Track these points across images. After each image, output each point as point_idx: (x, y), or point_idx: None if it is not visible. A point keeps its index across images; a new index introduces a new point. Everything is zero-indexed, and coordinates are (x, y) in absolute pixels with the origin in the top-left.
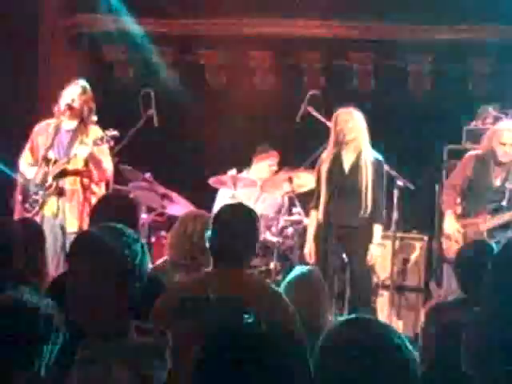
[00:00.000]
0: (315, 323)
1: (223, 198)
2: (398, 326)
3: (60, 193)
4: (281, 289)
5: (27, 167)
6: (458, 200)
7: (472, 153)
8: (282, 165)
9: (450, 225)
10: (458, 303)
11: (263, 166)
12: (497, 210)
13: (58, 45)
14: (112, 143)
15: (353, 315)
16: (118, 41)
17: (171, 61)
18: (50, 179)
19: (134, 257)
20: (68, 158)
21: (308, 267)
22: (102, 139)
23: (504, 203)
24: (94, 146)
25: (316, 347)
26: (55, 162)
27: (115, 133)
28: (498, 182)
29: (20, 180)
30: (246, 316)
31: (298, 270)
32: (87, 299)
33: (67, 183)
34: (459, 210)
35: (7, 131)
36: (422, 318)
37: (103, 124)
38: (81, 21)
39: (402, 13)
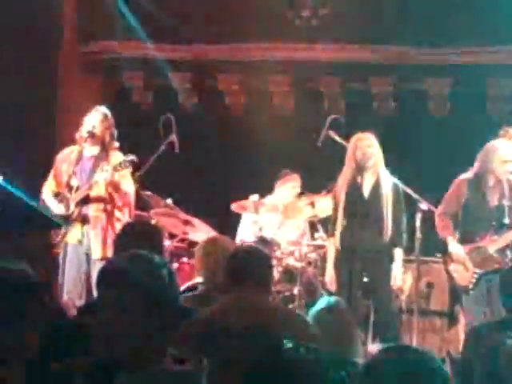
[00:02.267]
0: (345, 354)
1: (246, 223)
2: None
3: (84, 220)
4: (310, 317)
5: (50, 197)
6: (453, 225)
7: (463, 177)
8: (304, 190)
9: (458, 248)
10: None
11: (286, 189)
12: (500, 229)
13: (76, 70)
14: (131, 168)
15: (391, 344)
16: (136, 67)
17: (190, 86)
18: (72, 206)
19: (162, 283)
20: (90, 185)
21: (334, 298)
22: (120, 165)
23: (506, 221)
24: (114, 171)
25: (356, 377)
26: (77, 188)
27: (133, 158)
28: (495, 201)
29: (43, 208)
30: (285, 341)
31: (325, 300)
32: (119, 330)
33: (90, 210)
34: (456, 236)
35: (27, 156)
36: (460, 341)
37: (124, 150)
38: (100, 47)
39: (421, 36)
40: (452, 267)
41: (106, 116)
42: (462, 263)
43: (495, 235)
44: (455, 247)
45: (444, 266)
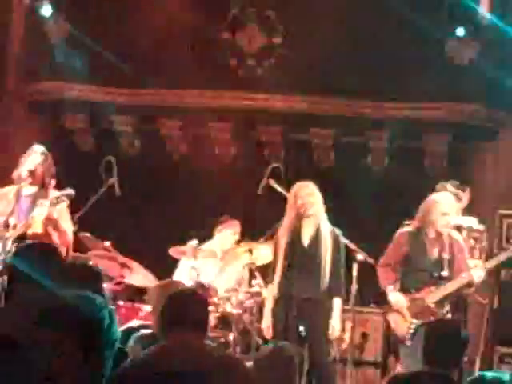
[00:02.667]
0: None
1: (184, 268)
2: None
3: None
4: (250, 365)
5: None
6: (395, 277)
7: (403, 230)
8: (242, 237)
9: (398, 298)
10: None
11: (226, 235)
12: (439, 281)
13: (19, 109)
14: (68, 202)
15: None
16: (79, 109)
17: (132, 130)
18: (9, 244)
19: (102, 324)
20: (27, 222)
21: (279, 343)
22: (57, 199)
23: (445, 273)
24: (52, 206)
25: None
26: (15, 226)
27: (71, 191)
28: (435, 254)
29: None
30: None
31: (268, 346)
32: (56, 370)
33: None
34: (397, 286)
35: None
36: None
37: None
38: (43, 87)
39: (361, 89)
40: (391, 317)
41: (46, 156)
42: (400, 313)
43: (433, 287)
44: (395, 296)
45: (383, 315)
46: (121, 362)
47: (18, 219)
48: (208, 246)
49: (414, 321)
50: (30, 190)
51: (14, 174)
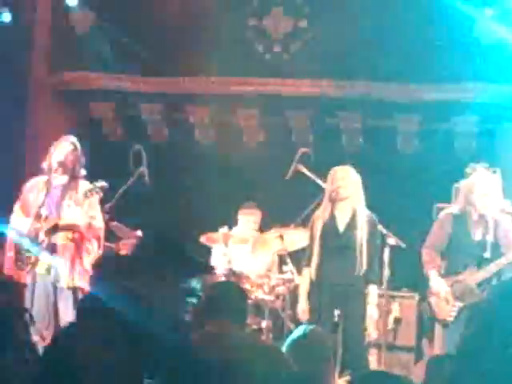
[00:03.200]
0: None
1: (216, 255)
2: None
3: (52, 249)
4: (284, 347)
5: (19, 222)
6: (439, 259)
7: (448, 211)
8: (272, 223)
9: (438, 283)
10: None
11: (246, 223)
12: (481, 264)
13: (46, 100)
14: (101, 194)
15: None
16: (107, 98)
17: (160, 118)
18: (41, 235)
19: (142, 316)
20: (59, 214)
21: (311, 326)
22: (91, 191)
23: (487, 255)
24: (85, 198)
25: None
26: (46, 218)
27: (104, 184)
28: (478, 236)
29: (12, 237)
30: None
31: (301, 328)
32: (98, 360)
33: (59, 239)
34: (442, 268)
35: None
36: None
37: (92, 180)
38: (69, 77)
39: (389, 73)
40: (432, 300)
41: (75, 146)
42: (442, 297)
43: (476, 269)
44: (437, 282)
45: (416, 299)
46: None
47: (49, 210)
48: (234, 232)
49: (457, 303)
50: (60, 180)
51: (44, 165)
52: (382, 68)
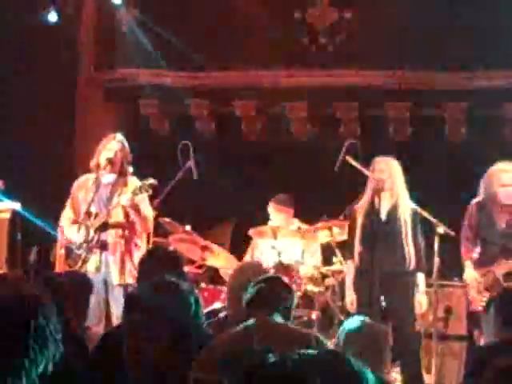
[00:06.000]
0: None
1: (264, 248)
2: (443, 375)
3: (102, 246)
4: (340, 338)
5: (68, 225)
6: (474, 250)
7: (473, 201)
8: (320, 214)
9: (469, 275)
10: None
11: (282, 218)
12: (507, 254)
13: (94, 98)
14: (151, 192)
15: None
16: (153, 94)
17: (207, 113)
18: (91, 233)
19: (189, 310)
20: (108, 211)
21: (364, 318)
22: (140, 189)
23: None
24: (134, 195)
25: None
26: (96, 215)
27: (153, 181)
28: (503, 226)
29: (63, 235)
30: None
31: (354, 320)
32: (146, 356)
33: (109, 236)
34: (476, 260)
35: (46, 182)
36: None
37: (140, 176)
38: (117, 75)
39: (436, 61)
40: (468, 291)
41: (123, 143)
42: (475, 287)
43: (504, 260)
44: (468, 272)
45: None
46: (205, 344)
47: (99, 207)
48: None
49: (486, 294)
50: (108, 178)
51: (92, 163)
52: (428, 56)
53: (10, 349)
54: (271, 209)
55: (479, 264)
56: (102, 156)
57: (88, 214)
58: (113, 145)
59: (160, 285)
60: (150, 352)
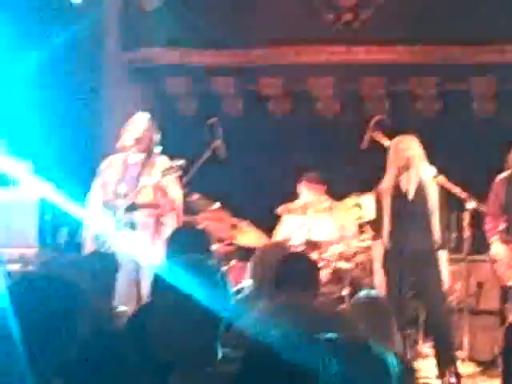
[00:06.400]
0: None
1: (293, 225)
2: (475, 350)
3: (131, 226)
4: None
5: (96, 205)
6: (498, 226)
7: (501, 176)
8: (350, 190)
9: (498, 250)
10: None
11: (314, 195)
12: None
13: (120, 78)
14: (179, 173)
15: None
16: (179, 73)
17: (233, 91)
18: (120, 213)
19: (216, 288)
20: (137, 191)
21: (373, 291)
22: (169, 170)
23: None
24: (163, 177)
25: None
26: (125, 195)
27: (182, 162)
28: None
29: (92, 216)
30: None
31: (365, 292)
32: (175, 332)
33: (138, 216)
34: (503, 235)
35: (72, 162)
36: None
37: (168, 155)
38: (143, 54)
39: (462, 35)
40: (497, 265)
41: (150, 123)
42: (505, 262)
43: None
44: (495, 248)
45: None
46: (233, 321)
47: (127, 187)
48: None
49: None
50: (136, 157)
51: (119, 143)
52: (455, 31)
53: None
54: (303, 187)
55: (506, 239)
56: (130, 136)
57: (116, 194)
58: (140, 124)
59: (187, 263)
60: (176, 332)
